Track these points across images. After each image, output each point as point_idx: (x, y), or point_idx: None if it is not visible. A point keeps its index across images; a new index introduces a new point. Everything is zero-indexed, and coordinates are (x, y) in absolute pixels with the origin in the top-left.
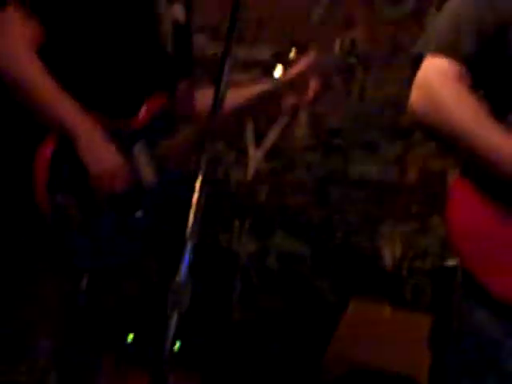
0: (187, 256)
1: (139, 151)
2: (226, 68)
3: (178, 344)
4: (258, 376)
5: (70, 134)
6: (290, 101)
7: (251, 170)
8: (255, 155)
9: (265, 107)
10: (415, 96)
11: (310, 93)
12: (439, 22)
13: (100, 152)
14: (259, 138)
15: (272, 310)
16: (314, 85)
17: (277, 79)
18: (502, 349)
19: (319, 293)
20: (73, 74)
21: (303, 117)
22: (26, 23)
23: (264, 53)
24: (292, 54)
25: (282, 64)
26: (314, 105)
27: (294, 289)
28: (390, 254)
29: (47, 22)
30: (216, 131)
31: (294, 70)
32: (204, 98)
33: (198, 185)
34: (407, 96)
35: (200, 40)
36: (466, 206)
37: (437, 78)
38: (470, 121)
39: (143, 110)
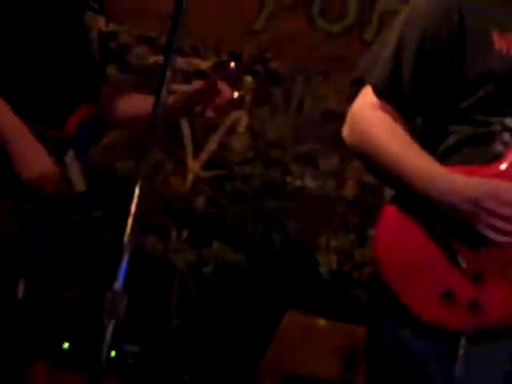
0: (124, 265)
1: (69, 160)
2: (167, 77)
3: (113, 352)
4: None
5: (2, 139)
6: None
7: (189, 180)
8: (194, 165)
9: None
10: (348, 127)
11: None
12: (381, 45)
13: (31, 155)
14: (198, 148)
15: (209, 319)
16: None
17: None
18: (428, 365)
19: (255, 303)
20: (4, 79)
21: (242, 128)
22: None
23: (204, 63)
24: (232, 65)
25: (222, 74)
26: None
27: (231, 299)
28: (326, 265)
29: None
30: (152, 139)
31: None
32: (135, 103)
33: (136, 193)
34: (346, 110)
35: (140, 50)
36: (393, 227)
37: (370, 112)
38: (398, 148)
39: (72, 118)
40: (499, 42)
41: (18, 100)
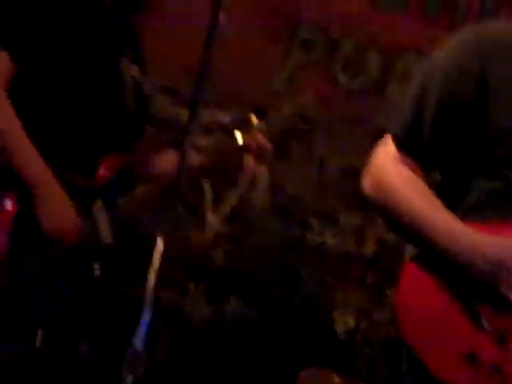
0: (145, 321)
1: (97, 210)
2: (191, 131)
3: None
4: None
5: (28, 182)
6: (246, 163)
7: (209, 234)
8: (213, 219)
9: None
10: (367, 179)
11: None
12: (403, 98)
13: (55, 206)
14: (218, 202)
15: (224, 374)
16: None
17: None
18: None
19: (271, 360)
20: (36, 124)
21: (263, 183)
22: None
23: (226, 117)
24: (252, 119)
25: (243, 129)
26: (273, 169)
27: (247, 354)
28: (342, 323)
29: (17, 59)
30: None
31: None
32: (162, 159)
33: (158, 246)
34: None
35: (162, 101)
36: (415, 285)
37: (390, 164)
38: (419, 204)
39: (103, 168)
40: None
41: (48, 146)
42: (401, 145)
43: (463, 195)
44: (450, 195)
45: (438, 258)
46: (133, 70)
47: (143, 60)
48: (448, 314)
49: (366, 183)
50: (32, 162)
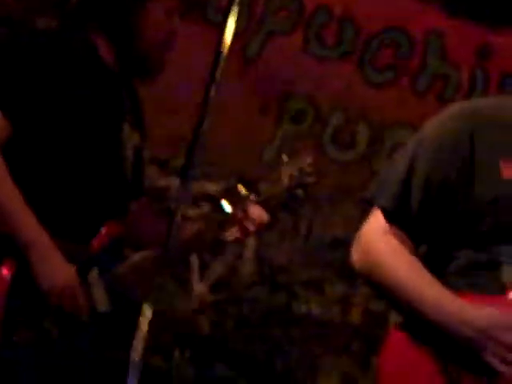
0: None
1: (93, 278)
2: (181, 200)
3: None
4: None
5: (23, 243)
6: (234, 234)
7: (195, 302)
8: (199, 287)
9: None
10: (356, 252)
11: (255, 226)
12: (391, 169)
13: (53, 264)
14: (204, 270)
15: None
16: (260, 218)
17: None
18: None
19: None
20: (31, 186)
21: (250, 251)
22: None
23: (213, 188)
24: (240, 190)
25: (230, 199)
26: (260, 239)
27: None
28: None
29: (13, 118)
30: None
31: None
32: (154, 228)
33: (145, 313)
34: (353, 238)
35: (150, 171)
36: (398, 354)
37: (378, 237)
38: (407, 275)
39: (99, 235)
40: (506, 170)
41: (45, 213)
42: (389, 217)
43: (447, 264)
44: (435, 265)
45: (423, 327)
46: (134, 137)
47: (144, 126)
48: (432, 381)
49: (355, 253)
50: (26, 222)
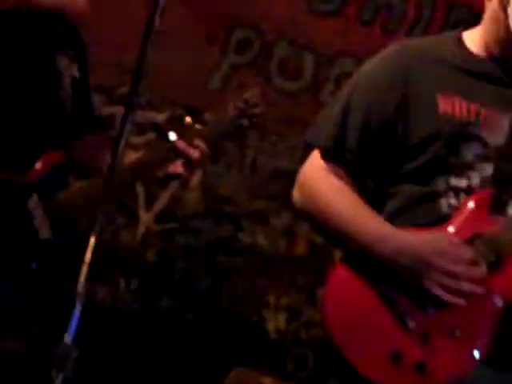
0: (76, 316)
1: (33, 205)
2: (125, 130)
3: None
4: None
5: None
6: (178, 168)
7: (140, 232)
8: (145, 218)
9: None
10: (296, 191)
11: (199, 158)
12: (331, 112)
13: None
14: (150, 201)
15: (152, 373)
16: (204, 149)
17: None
18: None
19: (200, 358)
20: None
21: (195, 181)
22: None
23: (159, 117)
24: (185, 119)
25: (176, 128)
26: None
27: (176, 353)
28: (274, 324)
29: None
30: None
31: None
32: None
33: (90, 244)
34: (298, 169)
35: (96, 100)
36: (342, 286)
37: (318, 176)
38: (347, 210)
39: (38, 164)
40: (443, 105)
41: None
42: (328, 155)
43: (388, 200)
44: (377, 200)
45: (364, 260)
46: (72, 68)
47: (85, 58)
48: (374, 314)
49: (295, 195)
50: None
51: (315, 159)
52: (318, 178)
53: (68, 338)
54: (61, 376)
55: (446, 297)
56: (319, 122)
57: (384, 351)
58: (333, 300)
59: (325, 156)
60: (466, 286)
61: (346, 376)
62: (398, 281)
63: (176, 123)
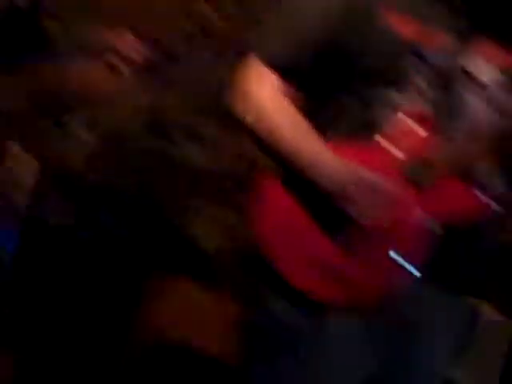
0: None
1: None
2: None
3: None
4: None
5: None
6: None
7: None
8: (83, 134)
9: None
10: (241, 102)
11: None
12: (280, 21)
13: None
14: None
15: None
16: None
17: None
18: (299, 336)
19: (125, 264)
20: None
21: (130, 97)
22: None
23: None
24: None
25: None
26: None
27: (100, 258)
28: (203, 234)
29: None
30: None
31: None
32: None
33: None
34: (229, 83)
35: None
36: (275, 199)
37: (263, 88)
38: (289, 127)
39: None
40: (384, 19)
41: None
42: (276, 68)
43: (322, 110)
44: (313, 113)
45: (299, 180)
46: None
47: None
48: (305, 226)
49: (239, 103)
50: None
51: (258, 68)
52: (264, 93)
53: None
54: None
55: (364, 221)
56: (267, 33)
57: (313, 264)
58: (263, 209)
59: (271, 66)
60: (389, 213)
61: (272, 286)
62: (323, 202)
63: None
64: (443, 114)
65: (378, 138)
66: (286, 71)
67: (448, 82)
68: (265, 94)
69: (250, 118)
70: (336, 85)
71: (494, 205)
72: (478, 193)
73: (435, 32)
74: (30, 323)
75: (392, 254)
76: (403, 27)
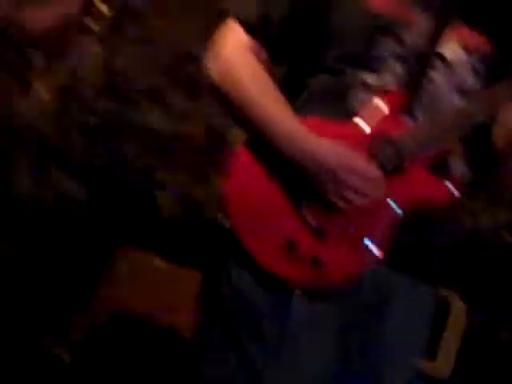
0: None
1: None
2: None
3: None
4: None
5: None
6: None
7: (36, 104)
8: (41, 89)
9: None
10: (213, 65)
11: None
12: None
13: None
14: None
15: (41, 247)
16: None
17: None
18: (263, 315)
19: (90, 236)
20: None
21: (96, 58)
22: None
23: None
24: None
25: None
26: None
27: (65, 227)
28: (166, 204)
29: None
30: None
31: None
32: None
33: None
34: (200, 48)
35: None
36: (244, 172)
37: (237, 52)
38: (258, 94)
39: None
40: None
41: None
42: (249, 31)
43: (300, 90)
44: (290, 89)
45: (268, 153)
46: None
47: None
48: (273, 201)
49: (213, 70)
50: None
51: (235, 33)
52: (238, 59)
53: None
54: None
55: (344, 207)
56: None
57: (279, 239)
58: (233, 183)
59: (246, 31)
60: (366, 200)
61: (237, 261)
62: (298, 181)
63: None
64: (414, 94)
65: (352, 120)
66: (257, 30)
67: (420, 63)
68: (231, 49)
69: (222, 83)
70: (314, 63)
71: (456, 192)
72: (442, 178)
73: (412, 10)
74: None
75: (360, 234)
76: (383, 4)
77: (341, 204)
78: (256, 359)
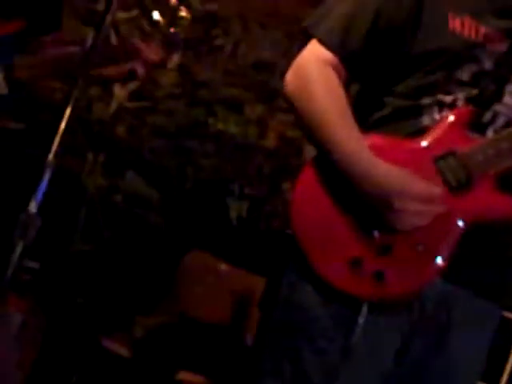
0: (43, 185)
1: None
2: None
3: None
4: (91, 305)
5: None
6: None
7: (113, 107)
8: (120, 93)
9: None
10: (291, 77)
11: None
12: (337, 1)
13: None
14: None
15: (113, 248)
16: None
17: None
18: (323, 328)
19: (161, 238)
20: None
21: (173, 64)
22: None
23: None
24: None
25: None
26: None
27: (137, 230)
28: (236, 211)
29: None
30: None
31: None
32: None
33: (66, 114)
34: (278, 61)
35: None
36: (311, 187)
37: (316, 67)
38: (333, 117)
39: None
40: (453, 22)
41: None
42: (329, 48)
43: (376, 109)
44: (363, 108)
45: (334, 172)
46: None
47: None
48: (339, 218)
49: (290, 84)
50: None
51: (315, 49)
52: (314, 74)
53: (32, 206)
54: (21, 243)
55: (405, 228)
56: (326, 11)
57: (345, 255)
58: (301, 198)
59: (326, 47)
60: (429, 220)
61: (302, 273)
62: (358, 202)
63: (161, 3)
64: (485, 113)
65: (420, 137)
66: (347, 56)
67: (495, 84)
68: (311, 65)
69: (298, 97)
70: (391, 84)
71: None
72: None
73: (494, 34)
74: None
75: (426, 250)
76: (466, 29)
77: (404, 229)
78: (311, 373)
